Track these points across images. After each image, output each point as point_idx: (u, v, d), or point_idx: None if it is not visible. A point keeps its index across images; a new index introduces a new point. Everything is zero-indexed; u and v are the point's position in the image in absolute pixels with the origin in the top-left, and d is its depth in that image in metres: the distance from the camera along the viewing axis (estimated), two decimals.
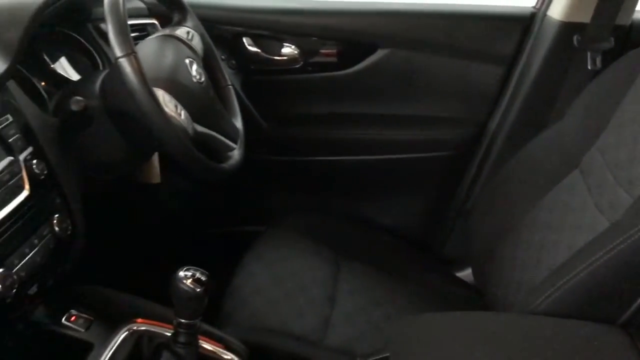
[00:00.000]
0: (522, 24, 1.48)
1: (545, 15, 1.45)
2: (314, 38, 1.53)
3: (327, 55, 1.55)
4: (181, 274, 0.88)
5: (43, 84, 1.17)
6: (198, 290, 0.88)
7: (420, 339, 0.91)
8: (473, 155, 1.57)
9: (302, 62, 1.55)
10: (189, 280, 0.88)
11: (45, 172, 0.95)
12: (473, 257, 1.41)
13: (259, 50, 1.56)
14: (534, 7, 1.50)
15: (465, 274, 1.54)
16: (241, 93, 1.52)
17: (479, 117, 1.55)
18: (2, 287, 0.81)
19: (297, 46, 1.54)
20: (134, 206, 1.47)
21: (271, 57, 1.56)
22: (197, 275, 0.89)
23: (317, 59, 1.55)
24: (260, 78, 1.58)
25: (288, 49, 1.55)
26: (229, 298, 1.24)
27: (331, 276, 1.34)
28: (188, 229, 1.64)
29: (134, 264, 1.37)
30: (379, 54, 1.51)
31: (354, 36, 1.51)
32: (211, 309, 1.12)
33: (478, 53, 1.51)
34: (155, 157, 1.35)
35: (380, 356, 0.96)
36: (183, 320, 0.91)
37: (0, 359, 0.93)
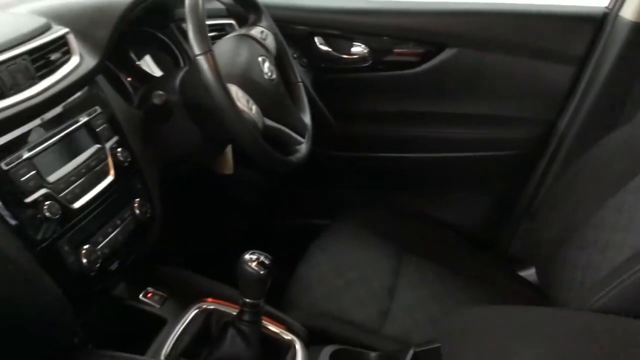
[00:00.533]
0: (594, 24, 1.47)
1: (617, 15, 1.43)
2: (384, 37, 1.57)
3: (396, 54, 1.58)
4: (247, 256, 0.95)
5: (129, 79, 1.27)
6: (262, 272, 0.94)
7: (471, 330, 0.94)
8: (541, 154, 1.57)
9: (371, 61, 1.59)
10: (254, 263, 0.94)
11: (129, 159, 1.03)
12: (537, 257, 1.41)
13: (329, 49, 1.61)
14: (606, 7, 1.48)
15: (529, 273, 1.54)
16: (311, 90, 1.58)
17: (548, 116, 1.55)
18: (87, 261, 0.90)
19: (367, 45, 1.58)
20: (208, 195, 1.55)
21: (341, 55, 1.61)
22: (262, 258, 0.95)
23: (386, 57, 1.59)
24: (330, 76, 1.63)
25: (358, 48, 1.60)
26: (293, 285, 1.30)
27: (392, 269, 1.37)
28: (257, 220, 1.71)
29: (206, 248, 1.45)
30: (447, 53, 1.53)
31: (422, 35, 1.54)
32: (276, 295, 1.19)
33: (548, 53, 1.51)
34: (229, 150, 1.42)
35: (433, 346, 1.00)
36: (248, 300, 0.97)
37: (83, 330, 1.02)
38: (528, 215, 1.58)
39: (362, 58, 1.60)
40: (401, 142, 1.64)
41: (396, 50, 1.58)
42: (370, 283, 1.32)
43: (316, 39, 1.61)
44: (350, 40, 1.59)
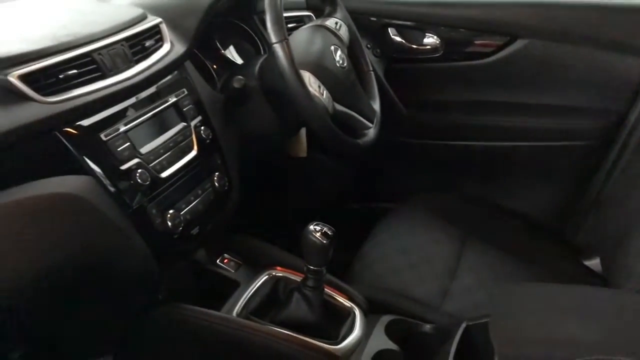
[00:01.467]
0: None
1: None
2: (456, 29, 1.62)
3: (467, 45, 1.63)
4: (311, 227, 1.04)
5: (215, 67, 1.39)
6: (325, 242, 1.03)
7: (520, 305, 0.99)
8: (610, 145, 1.57)
9: (442, 51, 1.65)
10: (318, 233, 1.03)
11: (211, 137, 1.15)
12: (603, 247, 1.42)
13: (402, 40, 1.68)
14: None
15: (594, 263, 1.55)
16: (383, 79, 1.65)
17: (618, 108, 1.55)
18: (171, 224, 1.02)
19: (439, 36, 1.64)
20: (283, 175, 1.66)
21: (414, 46, 1.68)
22: (325, 229, 1.04)
23: (457, 48, 1.64)
24: (402, 66, 1.70)
25: (430, 39, 1.65)
26: (357, 262, 1.38)
27: (455, 252, 1.43)
28: (327, 201, 1.80)
29: (277, 221, 1.55)
30: (518, 44, 1.56)
31: (494, 27, 1.57)
32: (341, 273, 1.28)
33: (621, 45, 1.51)
34: (304, 134, 1.52)
35: (483, 320, 1.05)
36: (311, 267, 1.07)
37: (166, 288, 1.14)
38: (595, 206, 1.59)
39: (433, 49, 1.66)
40: (470, 131, 1.69)
41: (467, 42, 1.63)
42: (432, 263, 1.38)
43: (390, 30, 1.68)
44: (423, 31, 1.65)
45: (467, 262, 1.40)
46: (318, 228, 1.04)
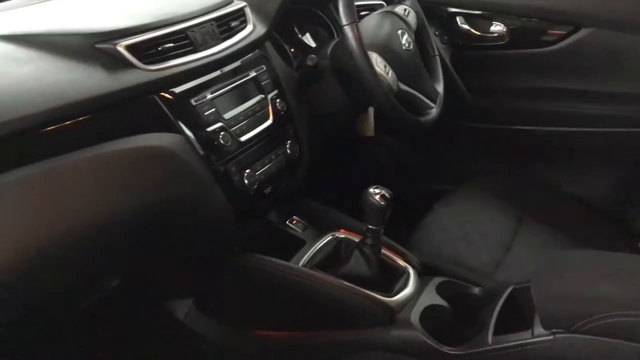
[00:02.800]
0: None
1: None
2: (522, 17, 1.69)
3: (533, 33, 1.69)
4: (371, 190, 1.16)
5: (292, 50, 1.52)
6: (383, 203, 1.14)
7: (561, 269, 1.07)
8: None
9: (508, 39, 1.72)
10: (377, 196, 1.15)
11: (285, 109, 1.28)
12: None
13: (469, 28, 1.76)
14: None
15: None
16: (449, 65, 1.74)
17: None
18: (247, 182, 1.16)
19: (505, 24, 1.71)
20: (348, 152, 1.77)
21: (480, 34, 1.76)
22: (383, 192, 1.15)
23: (522, 36, 1.71)
24: (468, 53, 1.78)
25: (497, 27, 1.73)
26: (416, 233, 1.48)
27: (511, 229, 1.50)
28: (390, 180, 1.90)
29: (342, 189, 1.66)
30: (582, 32, 1.61)
31: (558, 16, 1.63)
32: (401, 244, 1.38)
33: None
34: (371, 114, 1.63)
35: (528, 284, 1.13)
36: (370, 227, 1.18)
37: (241, 243, 1.28)
38: None
39: (500, 36, 1.73)
40: (532, 116, 1.75)
41: (533, 30, 1.69)
42: (488, 237, 1.46)
43: (457, 19, 1.76)
44: (490, 19, 1.73)
45: (521, 239, 1.47)
46: (377, 191, 1.15)
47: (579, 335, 0.97)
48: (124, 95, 0.99)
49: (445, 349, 1.11)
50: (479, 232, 1.48)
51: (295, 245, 1.31)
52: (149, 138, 1.01)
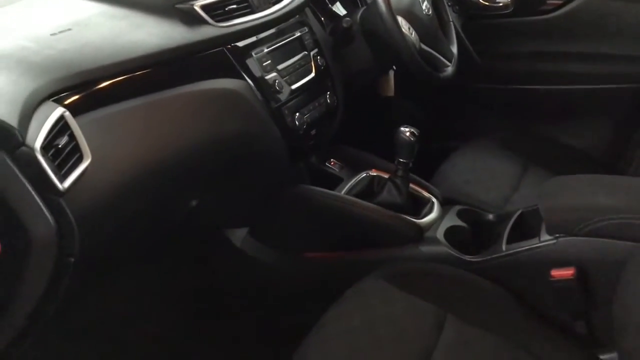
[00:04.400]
0: None
1: None
2: None
3: (534, 2, 1.91)
4: (402, 128, 1.37)
5: (322, 18, 1.73)
6: (412, 139, 1.36)
7: (566, 187, 1.27)
8: None
9: (512, 8, 1.94)
10: (407, 133, 1.37)
11: (324, 65, 1.50)
12: None
13: None
14: None
15: None
16: (461, 32, 1.95)
17: None
18: (297, 123, 1.38)
19: None
20: (374, 110, 1.98)
21: (488, 4, 1.97)
22: (412, 130, 1.37)
23: (525, 5, 1.92)
24: (477, 21, 2.00)
25: None
26: (435, 177, 1.69)
27: (518, 174, 1.71)
28: None
29: (372, 136, 1.86)
30: (578, 1, 1.83)
31: None
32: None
33: None
34: (392, 75, 1.85)
35: (533, 207, 1.34)
36: (401, 160, 1.40)
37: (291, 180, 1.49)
38: None
39: (504, 6, 1.95)
40: (535, 76, 1.96)
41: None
42: (497, 180, 1.67)
43: None
44: None
45: (527, 181, 1.69)
46: (407, 129, 1.37)
47: (578, 238, 1.18)
48: (201, 46, 1.20)
49: (467, 258, 1.33)
50: (490, 176, 1.70)
51: (333, 182, 1.53)
52: (221, 82, 1.23)
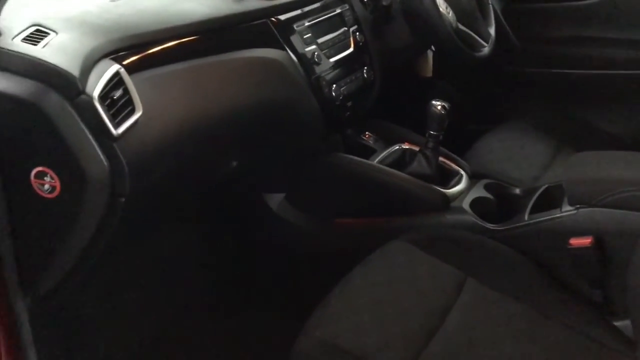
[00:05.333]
0: None
1: None
2: None
3: None
4: (434, 102, 1.44)
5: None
6: (443, 112, 1.43)
7: (587, 162, 1.33)
8: None
9: None
10: (439, 106, 1.43)
11: (363, 41, 1.57)
12: None
13: None
14: None
15: None
16: (500, 15, 1.99)
17: None
18: (334, 94, 1.45)
19: None
20: (411, 86, 2.04)
21: None
22: (444, 104, 1.43)
23: None
24: (517, 5, 2.03)
25: None
26: (468, 153, 1.75)
27: (550, 155, 1.75)
28: None
29: (408, 114, 1.93)
30: None
31: None
32: None
33: None
34: (430, 56, 1.91)
35: (558, 183, 1.39)
36: (432, 132, 1.46)
37: (321, 149, 1.58)
38: None
39: None
40: (572, 61, 1.98)
41: None
42: (529, 159, 1.72)
43: None
44: None
45: (559, 161, 1.73)
46: (438, 102, 1.44)
47: (597, 208, 1.23)
48: (246, 17, 1.30)
49: (490, 226, 1.39)
50: (521, 155, 1.74)
51: (367, 153, 1.60)
52: (263, 52, 1.32)
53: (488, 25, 1.77)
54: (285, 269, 1.62)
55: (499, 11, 2.00)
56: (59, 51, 0.96)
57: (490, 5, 1.79)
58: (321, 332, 1.09)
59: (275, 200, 1.60)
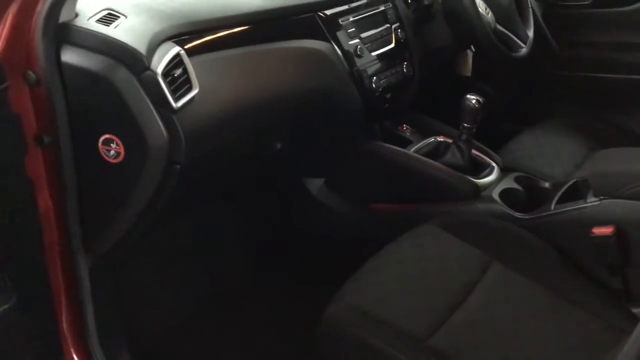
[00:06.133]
0: None
1: None
2: None
3: None
4: (468, 96, 1.52)
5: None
6: (477, 105, 1.51)
7: (612, 158, 1.39)
8: None
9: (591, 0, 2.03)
10: (473, 100, 1.51)
11: (404, 38, 1.66)
12: None
13: None
14: None
15: None
16: (540, 19, 2.06)
17: None
18: (374, 85, 1.55)
19: None
20: (451, 84, 2.11)
21: None
22: (477, 98, 1.51)
23: None
24: (557, 10, 2.09)
25: None
26: (502, 150, 1.81)
27: (583, 154, 1.80)
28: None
29: (445, 111, 2.00)
30: None
31: None
32: None
33: None
34: (470, 56, 1.98)
35: (586, 178, 1.45)
36: (465, 125, 1.54)
37: (360, 137, 1.67)
38: None
39: None
40: (612, 65, 2.03)
41: None
42: (563, 157, 1.77)
43: None
44: None
45: (590, 161, 1.78)
46: (473, 96, 1.52)
47: (619, 200, 1.29)
48: (296, 10, 1.41)
49: (517, 215, 1.46)
50: (554, 154, 1.80)
51: (403, 143, 1.69)
52: (310, 43, 1.43)
53: (527, 27, 1.84)
54: (322, 250, 1.71)
55: (539, 15, 2.06)
56: (128, 32, 1.09)
57: (530, 9, 1.86)
58: (351, 299, 1.19)
59: (315, 185, 1.70)
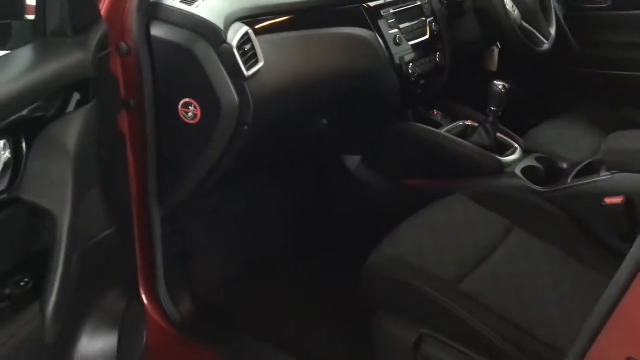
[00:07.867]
0: None
1: None
2: None
3: None
4: (495, 82, 1.69)
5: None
6: (503, 91, 1.67)
7: (624, 138, 1.54)
8: None
9: (611, 2, 2.18)
10: (500, 85, 1.68)
11: (437, 31, 1.84)
12: None
13: None
14: None
15: None
16: (562, 20, 2.22)
17: None
18: (411, 71, 1.73)
19: None
20: (477, 78, 2.28)
21: None
22: (504, 84, 1.68)
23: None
24: (578, 12, 2.26)
25: None
26: (524, 137, 1.98)
27: (598, 142, 1.96)
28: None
29: (472, 98, 2.17)
30: None
31: None
32: None
33: None
34: (496, 52, 2.15)
35: (601, 158, 1.60)
36: (492, 108, 1.71)
37: (395, 118, 1.85)
38: None
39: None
40: (631, 64, 2.18)
41: None
42: (582, 143, 1.91)
43: None
44: None
45: (605, 142, 1.92)
46: (499, 82, 1.69)
47: (631, 174, 1.45)
48: (344, 0, 1.59)
49: (537, 188, 1.62)
50: (574, 141, 1.95)
51: (434, 126, 1.86)
52: (356, 30, 1.61)
53: (550, 25, 2.01)
54: (359, 222, 1.89)
55: (560, 16, 2.23)
56: (207, 11, 1.28)
57: (553, 9, 2.03)
58: (389, 250, 1.36)
59: (353, 162, 1.88)
